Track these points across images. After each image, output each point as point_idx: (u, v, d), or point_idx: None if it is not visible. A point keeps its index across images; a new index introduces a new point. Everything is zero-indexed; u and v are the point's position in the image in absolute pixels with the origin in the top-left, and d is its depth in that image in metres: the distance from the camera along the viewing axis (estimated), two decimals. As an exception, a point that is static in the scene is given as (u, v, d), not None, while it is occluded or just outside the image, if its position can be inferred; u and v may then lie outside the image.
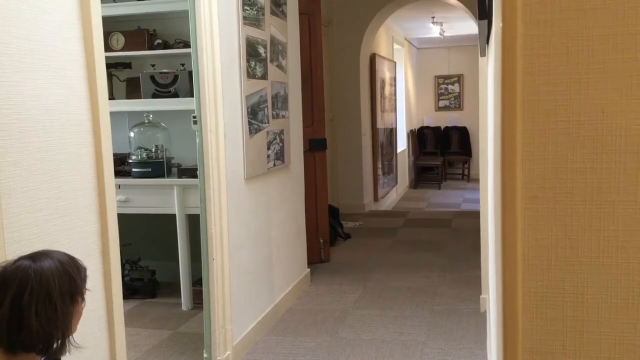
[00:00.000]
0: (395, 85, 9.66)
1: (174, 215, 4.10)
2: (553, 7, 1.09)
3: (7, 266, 1.42)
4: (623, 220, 1.09)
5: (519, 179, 1.12)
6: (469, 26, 8.60)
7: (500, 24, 1.14)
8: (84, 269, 1.53)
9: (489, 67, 2.60)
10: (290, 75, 4.24)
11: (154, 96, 4.26)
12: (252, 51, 3.54)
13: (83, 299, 1.51)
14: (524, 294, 1.14)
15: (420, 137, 12.09)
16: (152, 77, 4.26)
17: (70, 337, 1.47)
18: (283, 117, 4.10)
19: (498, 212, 1.21)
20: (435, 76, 12.31)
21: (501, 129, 1.15)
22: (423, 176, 11.63)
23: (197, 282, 4.14)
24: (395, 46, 9.99)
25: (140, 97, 4.30)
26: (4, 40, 1.71)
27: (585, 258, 1.11)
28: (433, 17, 9.11)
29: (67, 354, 1.48)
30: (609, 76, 1.08)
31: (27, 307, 1.37)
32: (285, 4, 4.17)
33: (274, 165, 3.94)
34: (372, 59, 8.02)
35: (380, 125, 8.42)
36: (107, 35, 3.92)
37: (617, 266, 1.10)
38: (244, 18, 3.44)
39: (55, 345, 1.43)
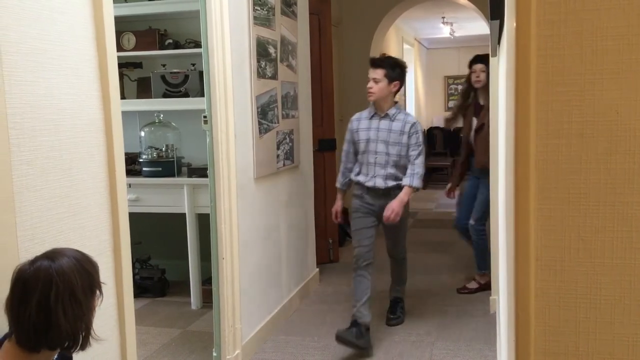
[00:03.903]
0: (404, 86, 9.63)
1: (184, 214, 4.11)
2: (567, 7, 1.08)
3: (26, 268, 1.43)
4: (637, 221, 1.09)
5: (532, 179, 1.12)
6: (480, 26, 8.56)
7: (514, 24, 1.13)
8: (97, 264, 1.54)
9: (501, 68, 2.59)
10: (300, 75, 4.24)
11: (165, 96, 4.28)
12: (262, 51, 3.55)
13: (101, 293, 1.53)
14: (537, 294, 1.14)
15: (430, 137, 12.04)
16: (163, 77, 4.28)
17: (92, 330, 1.49)
18: (293, 117, 4.10)
19: (511, 212, 1.21)
20: (445, 76, 12.27)
21: (514, 130, 1.14)
22: (432, 177, 11.58)
23: (206, 281, 4.15)
24: (405, 46, 9.96)
25: (151, 97, 4.32)
26: (18, 39, 1.72)
27: (598, 259, 1.11)
28: (443, 17, 9.09)
29: (89, 346, 1.50)
30: (623, 76, 1.07)
31: (54, 307, 1.39)
32: (296, 4, 4.17)
33: (284, 165, 3.94)
34: (382, 59, 8.00)
35: (389, 125, 8.39)
36: (118, 35, 3.94)
37: (631, 267, 1.10)
38: (255, 18, 3.44)
39: (79, 340, 1.46)
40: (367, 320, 3.45)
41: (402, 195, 3.51)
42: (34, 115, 1.79)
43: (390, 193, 3.54)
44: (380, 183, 3.52)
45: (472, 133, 4.32)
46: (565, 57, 1.09)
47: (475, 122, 4.30)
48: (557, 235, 1.12)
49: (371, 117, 3.59)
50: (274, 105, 3.73)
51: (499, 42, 2.52)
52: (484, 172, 4.20)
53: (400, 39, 9.53)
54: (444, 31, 9.94)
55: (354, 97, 7.51)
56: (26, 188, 1.76)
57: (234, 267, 3.22)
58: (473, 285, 4.48)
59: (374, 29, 7.41)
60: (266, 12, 3.62)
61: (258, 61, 3.49)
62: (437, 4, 7.72)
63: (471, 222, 4.37)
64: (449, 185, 4.59)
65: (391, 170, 3.51)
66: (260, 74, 3.53)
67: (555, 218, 1.11)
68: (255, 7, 3.45)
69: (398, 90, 3.55)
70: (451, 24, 9.49)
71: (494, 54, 3.10)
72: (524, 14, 1.10)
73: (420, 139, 3.53)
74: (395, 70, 3.51)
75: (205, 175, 3.27)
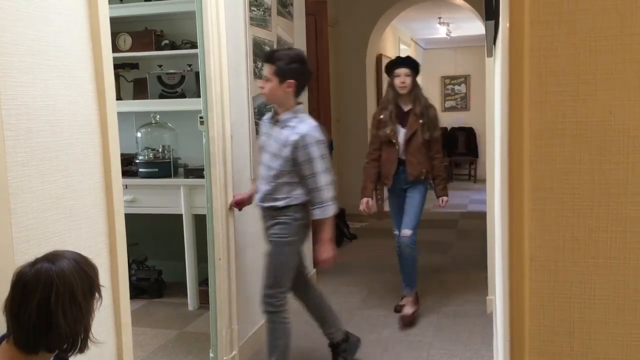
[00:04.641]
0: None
1: (181, 215, 4.11)
2: (560, 7, 1.08)
3: (26, 270, 1.43)
4: (631, 221, 1.09)
5: (526, 179, 1.12)
6: (476, 27, 8.58)
7: (507, 25, 1.14)
8: (96, 267, 1.55)
9: (496, 68, 2.59)
10: (296, 76, 4.23)
11: (161, 97, 4.27)
12: (258, 52, 3.55)
13: (100, 295, 1.53)
14: (531, 294, 1.14)
15: (427, 137, 12.05)
16: (159, 78, 4.28)
17: (90, 333, 1.50)
18: (289, 117, 4.09)
19: (505, 212, 1.21)
20: (442, 77, 12.28)
21: (508, 130, 1.15)
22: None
23: (203, 282, 4.14)
24: (402, 47, 9.97)
25: (147, 98, 4.31)
26: (13, 40, 1.72)
27: (592, 259, 1.11)
28: (440, 18, 9.10)
29: (87, 349, 1.50)
30: (616, 77, 1.07)
31: (54, 309, 1.40)
32: (292, 4, 4.17)
33: (281, 165, 3.93)
34: (379, 59, 8.02)
35: (386, 125, 8.39)
36: (114, 36, 3.94)
37: (625, 267, 1.10)
38: (251, 19, 3.44)
39: (78, 343, 1.46)
40: (340, 336, 3.23)
41: (325, 235, 2.90)
42: (30, 117, 1.78)
43: (267, 214, 2.92)
44: (259, 200, 2.95)
45: (401, 143, 3.89)
46: (558, 57, 1.09)
47: (402, 131, 3.89)
48: (552, 235, 1.12)
49: (269, 120, 2.98)
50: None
51: (494, 43, 2.53)
52: (417, 182, 3.89)
53: (397, 39, 9.54)
54: (441, 31, 9.95)
55: (350, 98, 7.52)
56: (21, 189, 1.75)
57: (231, 268, 3.22)
58: (409, 310, 3.92)
59: (370, 29, 7.42)
60: (262, 12, 3.62)
61: (254, 62, 3.49)
62: (433, 4, 7.73)
63: (407, 232, 3.89)
64: (365, 200, 3.99)
65: (268, 187, 2.87)
66: (257, 75, 3.53)
67: (550, 218, 1.12)
68: (252, 8, 3.45)
69: (298, 91, 2.88)
70: (448, 24, 9.50)
71: (490, 54, 3.10)
72: (518, 15, 1.10)
73: (315, 153, 2.77)
74: (291, 66, 2.80)
75: (202, 176, 3.27)
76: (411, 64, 3.94)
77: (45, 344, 1.42)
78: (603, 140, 1.08)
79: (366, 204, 3.99)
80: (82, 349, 1.49)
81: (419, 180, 3.90)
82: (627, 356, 1.12)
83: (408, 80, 3.87)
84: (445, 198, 4.01)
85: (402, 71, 3.88)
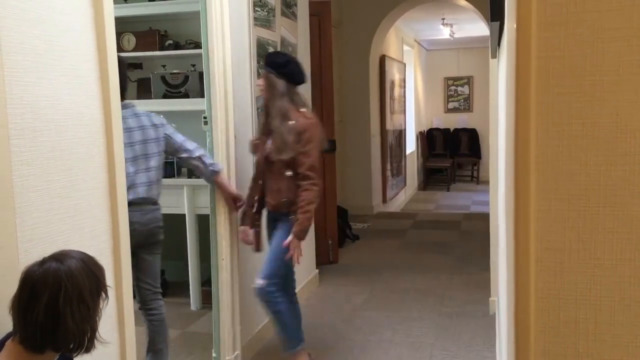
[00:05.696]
0: (404, 87, 9.65)
1: (184, 215, 4.11)
2: (567, 9, 1.08)
3: (35, 270, 1.43)
4: (637, 222, 1.09)
5: (532, 180, 1.12)
6: (479, 28, 8.58)
7: (514, 26, 1.14)
8: (103, 267, 1.55)
9: (501, 69, 2.59)
10: (300, 76, 4.24)
11: (165, 97, 4.28)
12: (262, 52, 3.55)
13: (107, 295, 1.53)
14: (537, 295, 1.14)
15: (430, 138, 12.07)
16: (163, 78, 4.28)
17: (97, 332, 1.50)
18: (293, 118, 4.10)
19: (511, 213, 1.21)
20: (445, 78, 12.28)
21: (515, 131, 1.14)
22: (432, 178, 11.61)
23: (206, 282, 4.15)
24: (405, 47, 9.97)
25: (151, 98, 4.32)
26: (18, 40, 1.72)
27: (598, 260, 1.11)
28: (443, 19, 9.10)
29: (94, 349, 1.50)
30: (623, 78, 1.07)
31: (63, 309, 1.40)
32: (296, 5, 4.17)
33: (284, 166, 3.94)
34: (382, 60, 8.02)
35: (389, 126, 8.41)
36: (118, 36, 3.92)
37: (631, 268, 1.10)
38: (255, 19, 3.45)
39: (85, 342, 1.46)
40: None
41: None
42: (35, 116, 1.79)
43: None
44: None
45: (261, 163, 3.07)
46: (565, 58, 1.09)
47: (268, 145, 2.99)
48: (557, 237, 1.12)
49: None
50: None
51: (499, 44, 2.53)
52: (282, 216, 3.02)
53: (400, 40, 9.54)
54: (444, 32, 9.95)
55: (353, 99, 7.52)
56: (26, 188, 1.75)
57: (234, 268, 3.22)
58: None
59: (374, 30, 7.43)
60: (266, 13, 3.62)
61: (258, 62, 3.49)
62: (437, 5, 7.74)
63: (260, 281, 2.96)
64: (242, 229, 3.18)
65: None
66: (261, 75, 3.53)
67: (556, 219, 1.12)
68: (256, 8, 3.46)
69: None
70: (451, 25, 9.50)
71: (494, 56, 3.10)
72: (525, 16, 1.10)
73: None
74: None
75: (205, 176, 3.27)
76: (273, 65, 2.96)
77: (52, 343, 1.42)
78: (609, 142, 1.08)
79: (242, 232, 3.18)
80: (89, 348, 1.49)
81: (282, 213, 3.01)
82: (633, 358, 1.11)
83: (264, 84, 2.99)
84: (291, 237, 2.94)
85: (262, 72, 3.05)
